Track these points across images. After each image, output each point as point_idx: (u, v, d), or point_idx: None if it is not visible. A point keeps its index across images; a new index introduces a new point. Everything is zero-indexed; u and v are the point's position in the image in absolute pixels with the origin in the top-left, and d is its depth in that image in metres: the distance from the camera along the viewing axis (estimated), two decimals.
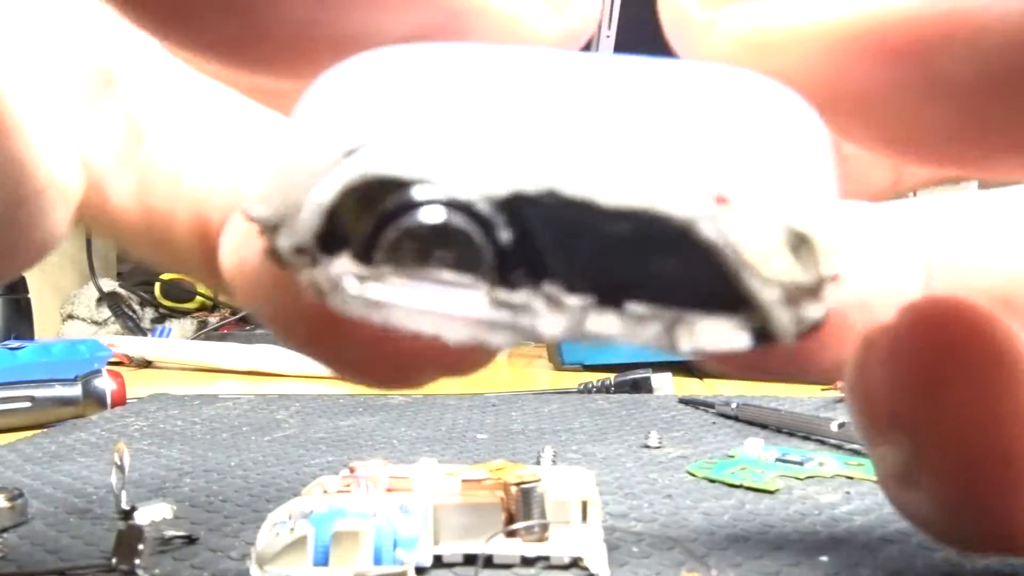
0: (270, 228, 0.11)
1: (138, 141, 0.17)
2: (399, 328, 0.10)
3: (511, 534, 0.25)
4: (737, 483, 0.34)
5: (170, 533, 0.28)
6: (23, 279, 0.86)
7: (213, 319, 1.00)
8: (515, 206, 0.10)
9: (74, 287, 1.02)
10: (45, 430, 0.47)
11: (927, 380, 0.14)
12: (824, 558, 0.26)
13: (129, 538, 0.25)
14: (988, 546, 0.15)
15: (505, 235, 0.10)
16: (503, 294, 0.10)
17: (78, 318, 0.96)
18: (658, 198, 0.09)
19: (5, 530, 0.29)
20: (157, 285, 1.01)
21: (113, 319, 0.96)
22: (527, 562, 0.25)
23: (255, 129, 0.17)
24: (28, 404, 0.50)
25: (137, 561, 0.24)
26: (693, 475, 0.35)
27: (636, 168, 0.09)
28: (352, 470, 0.28)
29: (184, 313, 1.01)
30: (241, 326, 0.92)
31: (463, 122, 0.10)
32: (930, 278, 0.16)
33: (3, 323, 0.82)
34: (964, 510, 0.14)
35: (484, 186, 0.10)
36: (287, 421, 0.50)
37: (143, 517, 0.28)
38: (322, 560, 0.23)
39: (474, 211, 0.10)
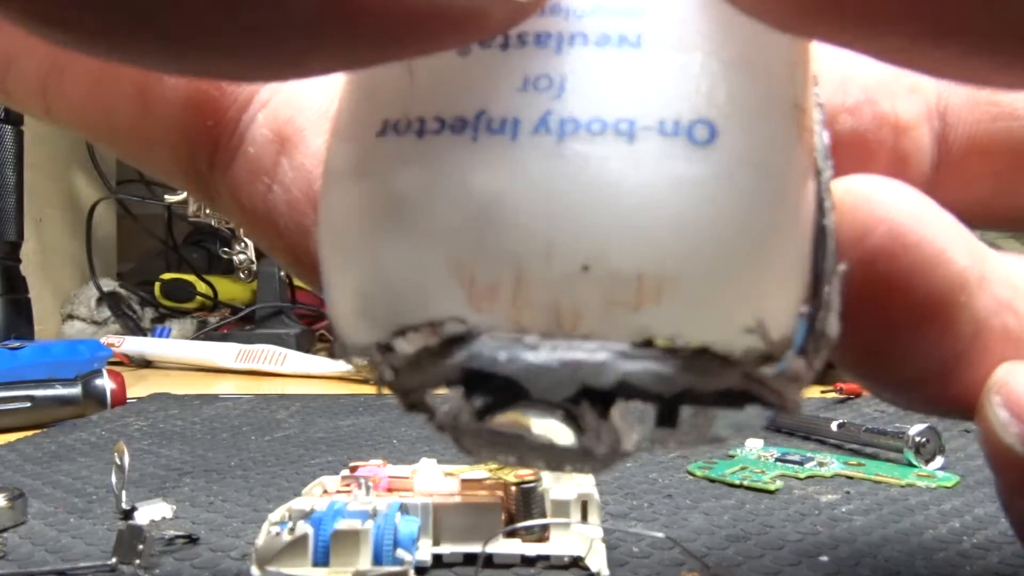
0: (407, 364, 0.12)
1: None
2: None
3: (511, 534, 0.25)
4: (737, 483, 0.34)
5: (170, 533, 0.28)
6: (23, 279, 0.85)
7: (213, 319, 0.99)
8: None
9: (74, 287, 1.01)
10: (45, 430, 0.47)
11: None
12: (824, 558, 0.26)
13: (129, 538, 0.25)
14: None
15: (591, 419, 0.11)
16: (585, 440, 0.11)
17: (78, 318, 0.96)
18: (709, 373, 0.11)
19: (5, 530, 0.29)
20: (157, 285, 1.01)
21: (113, 319, 0.95)
22: (527, 562, 0.25)
23: None
24: (28, 404, 0.50)
25: (137, 561, 0.24)
26: (693, 475, 0.35)
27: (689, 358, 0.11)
28: (352, 470, 0.28)
29: (184, 313, 1.01)
30: (241, 326, 0.92)
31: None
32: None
33: (3, 323, 0.81)
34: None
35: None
36: (287, 421, 0.50)
37: (143, 517, 0.28)
38: (322, 560, 0.23)
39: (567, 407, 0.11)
